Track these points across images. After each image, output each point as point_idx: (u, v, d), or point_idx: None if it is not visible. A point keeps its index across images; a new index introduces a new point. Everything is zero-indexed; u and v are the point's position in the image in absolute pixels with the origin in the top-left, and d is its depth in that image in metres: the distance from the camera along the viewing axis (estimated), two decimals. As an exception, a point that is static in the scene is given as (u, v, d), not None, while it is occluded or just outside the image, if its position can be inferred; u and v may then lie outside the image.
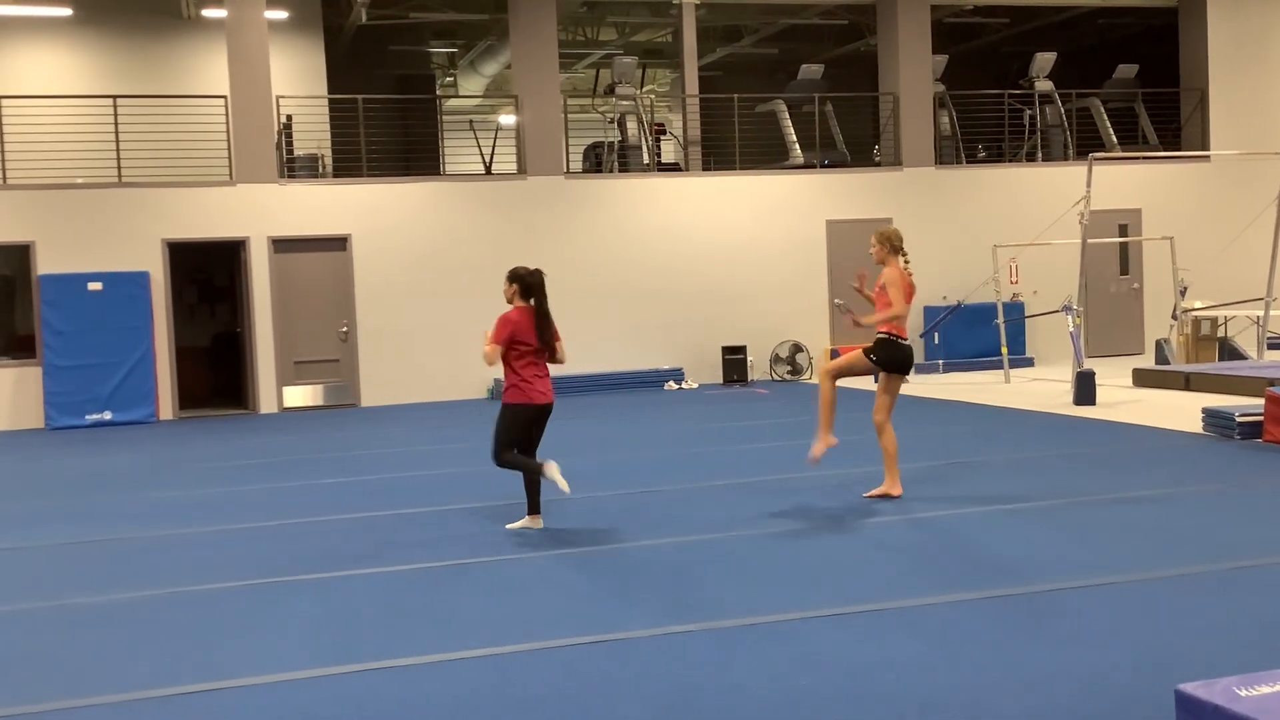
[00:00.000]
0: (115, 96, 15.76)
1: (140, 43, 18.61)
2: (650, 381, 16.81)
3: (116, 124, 15.57)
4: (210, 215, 15.67)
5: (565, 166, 17.31)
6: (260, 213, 15.79)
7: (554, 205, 16.81)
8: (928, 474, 8.92)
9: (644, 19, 21.13)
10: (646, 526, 7.55)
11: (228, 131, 15.90)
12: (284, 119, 16.50)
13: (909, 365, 8.17)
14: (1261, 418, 9.84)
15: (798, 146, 18.58)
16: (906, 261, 8.12)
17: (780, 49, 23.13)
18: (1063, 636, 5.00)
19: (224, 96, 15.97)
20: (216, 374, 17.59)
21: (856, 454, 10.12)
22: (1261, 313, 14.95)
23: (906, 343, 8.12)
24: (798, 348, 17.40)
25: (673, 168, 18.61)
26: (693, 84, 18.09)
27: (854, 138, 19.46)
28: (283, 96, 16.37)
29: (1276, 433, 9.62)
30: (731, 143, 18.30)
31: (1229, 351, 15.77)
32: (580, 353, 14.92)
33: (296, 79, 18.12)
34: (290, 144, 16.68)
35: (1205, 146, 19.26)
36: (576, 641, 5.16)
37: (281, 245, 15.91)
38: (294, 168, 16.58)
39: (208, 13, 17.95)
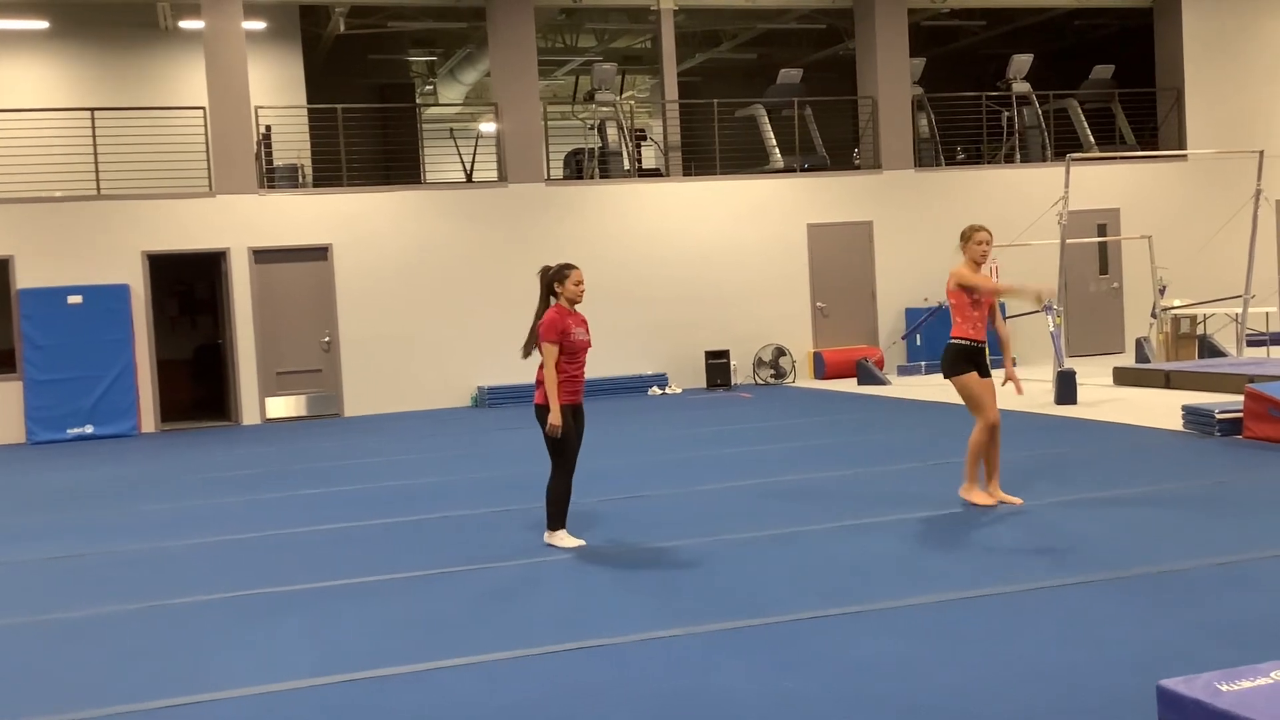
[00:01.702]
0: (93, 109, 15.72)
1: (118, 54, 18.54)
2: (634, 387, 16.83)
3: (94, 136, 15.52)
4: (190, 227, 15.62)
5: (546, 173, 17.30)
6: (240, 223, 15.75)
7: (535, 212, 16.81)
8: (910, 476, 8.95)
9: (623, 25, 21.15)
10: (633, 532, 7.56)
11: (206, 142, 15.85)
12: (263, 129, 16.48)
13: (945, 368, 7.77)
14: (1241, 414, 9.91)
15: (778, 151, 18.62)
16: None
17: (759, 54, 23.19)
18: (1046, 635, 5.03)
19: (202, 107, 15.93)
20: (198, 386, 17.54)
21: (842, 456, 10.17)
22: (1240, 310, 15.05)
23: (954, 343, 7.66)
24: (780, 351, 17.43)
25: (653, 173, 18.63)
26: (672, 89, 18.12)
27: (833, 141, 19.50)
28: (261, 107, 16.34)
29: (1256, 429, 9.69)
30: (712, 148, 18.34)
31: (1208, 349, 15.88)
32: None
33: (275, 89, 18.08)
34: (270, 154, 16.66)
35: (1182, 146, 19.37)
36: (565, 648, 5.16)
37: (262, 256, 15.87)
38: (274, 178, 16.55)
39: (185, 24, 17.90)
